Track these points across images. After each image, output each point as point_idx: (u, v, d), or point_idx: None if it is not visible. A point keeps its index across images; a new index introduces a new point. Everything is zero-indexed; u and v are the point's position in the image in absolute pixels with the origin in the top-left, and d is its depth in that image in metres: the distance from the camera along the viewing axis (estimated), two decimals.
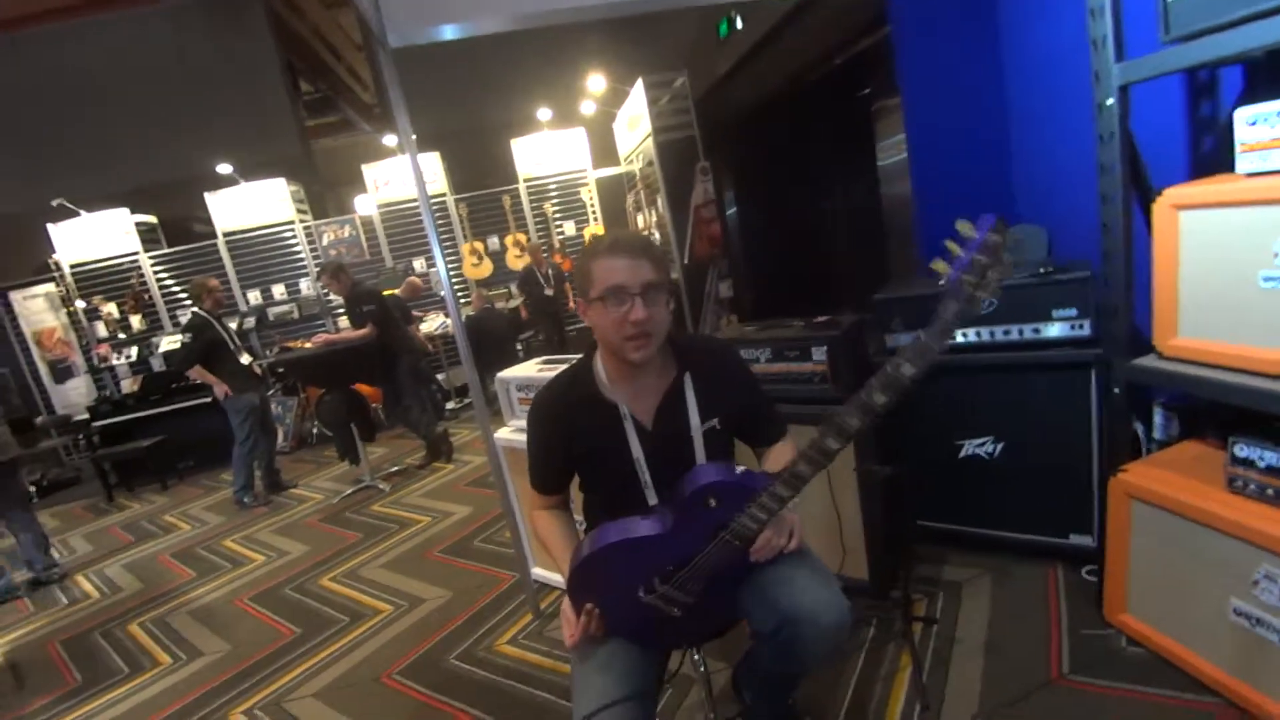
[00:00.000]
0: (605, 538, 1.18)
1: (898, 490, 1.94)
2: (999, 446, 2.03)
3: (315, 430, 6.15)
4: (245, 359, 4.32)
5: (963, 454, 2.09)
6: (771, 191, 6.03)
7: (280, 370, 6.10)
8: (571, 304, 5.83)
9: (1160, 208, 1.52)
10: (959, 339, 2.02)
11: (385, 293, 5.34)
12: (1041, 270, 1.85)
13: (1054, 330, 1.87)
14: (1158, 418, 2.01)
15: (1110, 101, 1.53)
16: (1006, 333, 1.93)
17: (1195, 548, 1.50)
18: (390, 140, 7.08)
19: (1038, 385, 1.92)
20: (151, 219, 6.60)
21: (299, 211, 6.57)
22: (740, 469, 1.21)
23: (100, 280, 6.28)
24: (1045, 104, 2.36)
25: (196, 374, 4.25)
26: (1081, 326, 1.82)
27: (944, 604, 2.01)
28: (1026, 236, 2.21)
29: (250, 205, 6.38)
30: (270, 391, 6.15)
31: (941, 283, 1.00)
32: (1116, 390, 1.68)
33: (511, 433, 2.43)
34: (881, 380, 1.01)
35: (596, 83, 5.63)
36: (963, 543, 2.21)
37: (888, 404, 1.01)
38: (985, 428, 2.04)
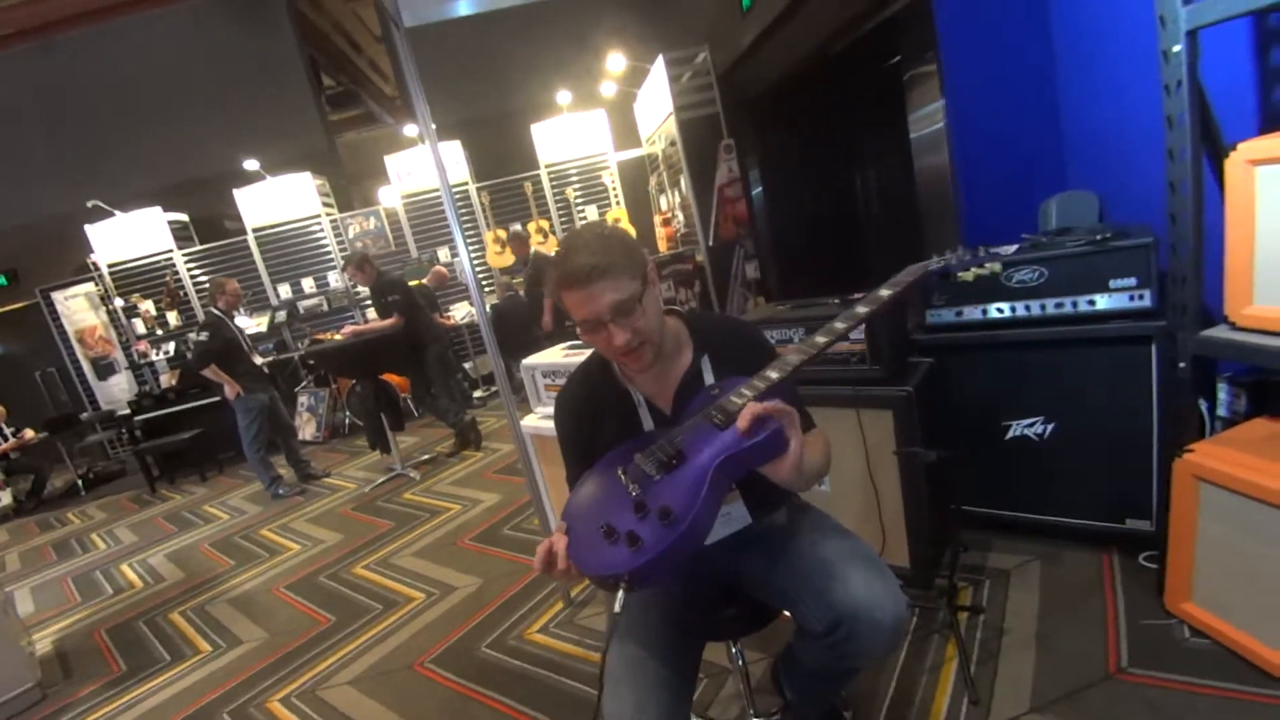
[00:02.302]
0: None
1: (940, 474, 1.84)
2: (1049, 427, 1.91)
3: (347, 420, 6.24)
4: (257, 359, 4.35)
5: (1010, 435, 1.98)
6: (798, 168, 5.86)
7: (311, 362, 6.19)
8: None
9: (1234, 163, 1.39)
10: (1005, 313, 1.90)
11: (413, 283, 5.36)
12: (1098, 237, 1.72)
13: (1111, 302, 1.74)
14: (1223, 394, 1.87)
15: (1177, 48, 1.40)
16: (1059, 305, 1.80)
17: (1270, 533, 1.39)
18: (411, 130, 7.07)
19: (1092, 361, 1.80)
20: (183, 217, 6.73)
21: (325, 205, 6.62)
22: None
23: (137, 278, 6.43)
24: (1097, 59, 2.20)
25: (211, 373, 4.23)
26: (1142, 297, 1.69)
27: (991, 593, 1.92)
28: (1077, 203, 2.06)
29: (278, 200, 6.45)
30: (303, 384, 6.27)
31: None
32: (1182, 365, 1.56)
33: (538, 419, 2.39)
34: (866, 299, 1.17)
35: (616, 62, 5.51)
36: (1009, 529, 2.11)
37: (869, 314, 1.15)
38: (1035, 407, 1.92)
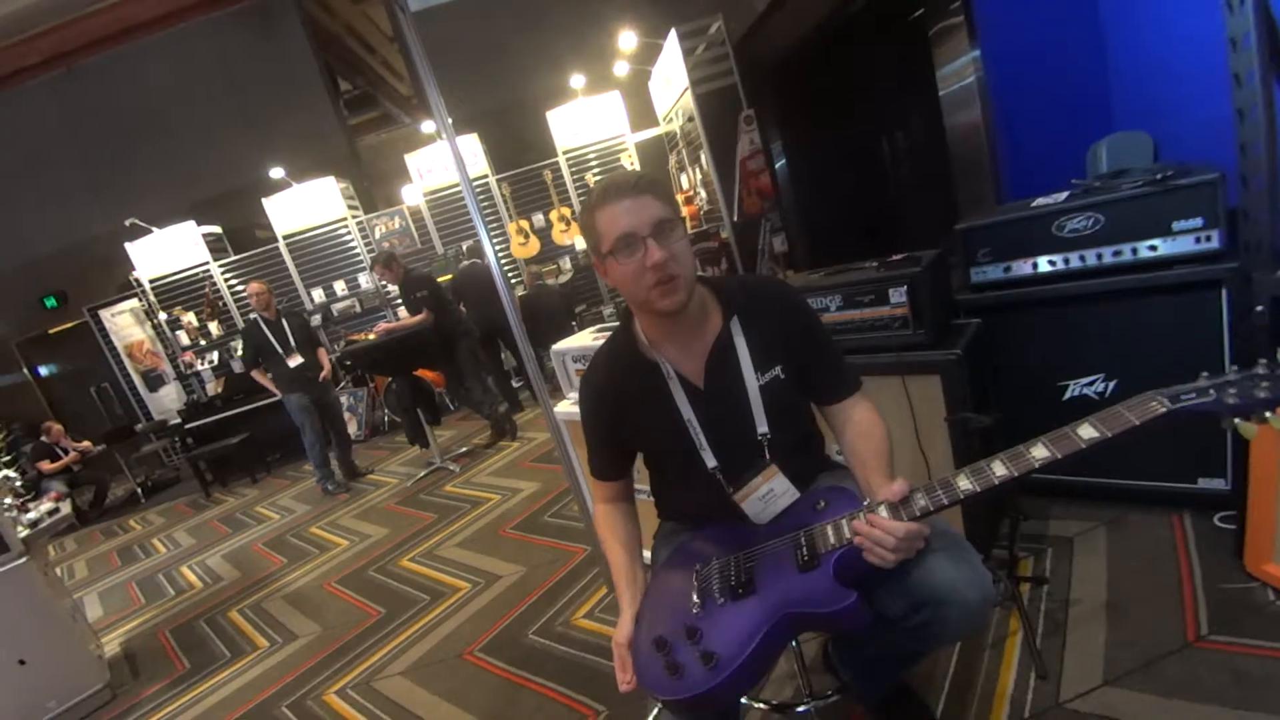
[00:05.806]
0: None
1: (994, 440, 1.75)
2: (1111, 385, 1.80)
3: (386, 418, 6.34)
4: (292, 361, 4.40)
5: (1068, 396, 1.87)
6: (822, 135, 5.68)
7: (348, 363, 6.30)
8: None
9: None
10: (1057, 266, 1.79)
11: (441, 279, 5.40)
12: (1158, 176, 1.59)
13: (1174, 245, 1.61)
14: None
15: None
16: (1117, 253, 1.68)
17: None
18: (429, 126, 7.09)
19: (1156, 311, 1.68)
20: (216, 229, 6.88)
21: (350, 208, 6.70)
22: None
23: (178, 292, 6.61)
24: None
25: (256, 376, 4.49)
26: (1209, 238, 1.56)
27: (1053, 562, 1.83)
28: (1129, 144, 1.92)
29: (305, 206, 6.54)
30: (340, 385, 6.39)
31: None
32: (1259, 309, 1.44)
33: (571, 405, 2.37)
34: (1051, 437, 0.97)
35: (628, 40, 5.39)
36: (1069, 494, 2.01)
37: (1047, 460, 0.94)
38: (1094, 365, 1.81)
